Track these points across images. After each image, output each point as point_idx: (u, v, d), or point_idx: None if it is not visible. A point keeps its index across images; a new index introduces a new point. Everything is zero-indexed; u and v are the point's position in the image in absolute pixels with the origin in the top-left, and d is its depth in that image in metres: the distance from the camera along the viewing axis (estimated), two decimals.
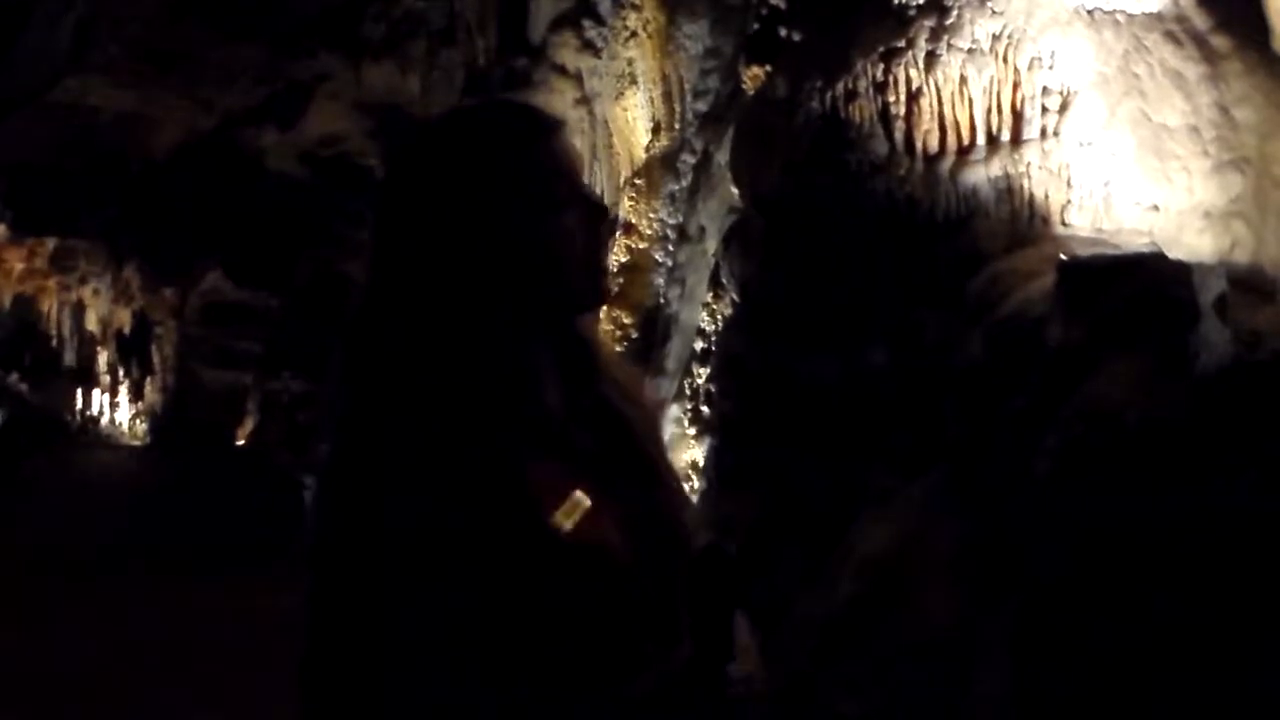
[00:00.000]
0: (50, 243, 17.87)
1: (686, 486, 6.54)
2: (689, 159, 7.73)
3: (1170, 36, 4.28)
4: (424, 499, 1.19)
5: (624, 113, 8.51)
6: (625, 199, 8.22)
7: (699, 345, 7.03)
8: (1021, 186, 4.35)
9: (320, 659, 1.21)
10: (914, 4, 4.58)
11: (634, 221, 8.07)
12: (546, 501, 1.23)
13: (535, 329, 1.30)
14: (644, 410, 1.46)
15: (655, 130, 8.19)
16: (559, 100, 9.01)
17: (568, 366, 1.36)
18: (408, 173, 1.33)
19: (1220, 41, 4.25)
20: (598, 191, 9.10)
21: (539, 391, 1.30)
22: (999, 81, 4.43)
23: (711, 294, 6.96)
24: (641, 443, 1.41)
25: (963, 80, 4.45)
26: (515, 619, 1.18)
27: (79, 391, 20.56)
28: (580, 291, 1.34)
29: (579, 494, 1.26)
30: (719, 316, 6.78)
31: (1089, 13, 4.34)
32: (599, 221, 1.34)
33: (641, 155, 8.33)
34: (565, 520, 1.24)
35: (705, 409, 6.55)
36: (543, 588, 1.20)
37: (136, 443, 19.13)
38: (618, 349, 7.82)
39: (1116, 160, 4.26)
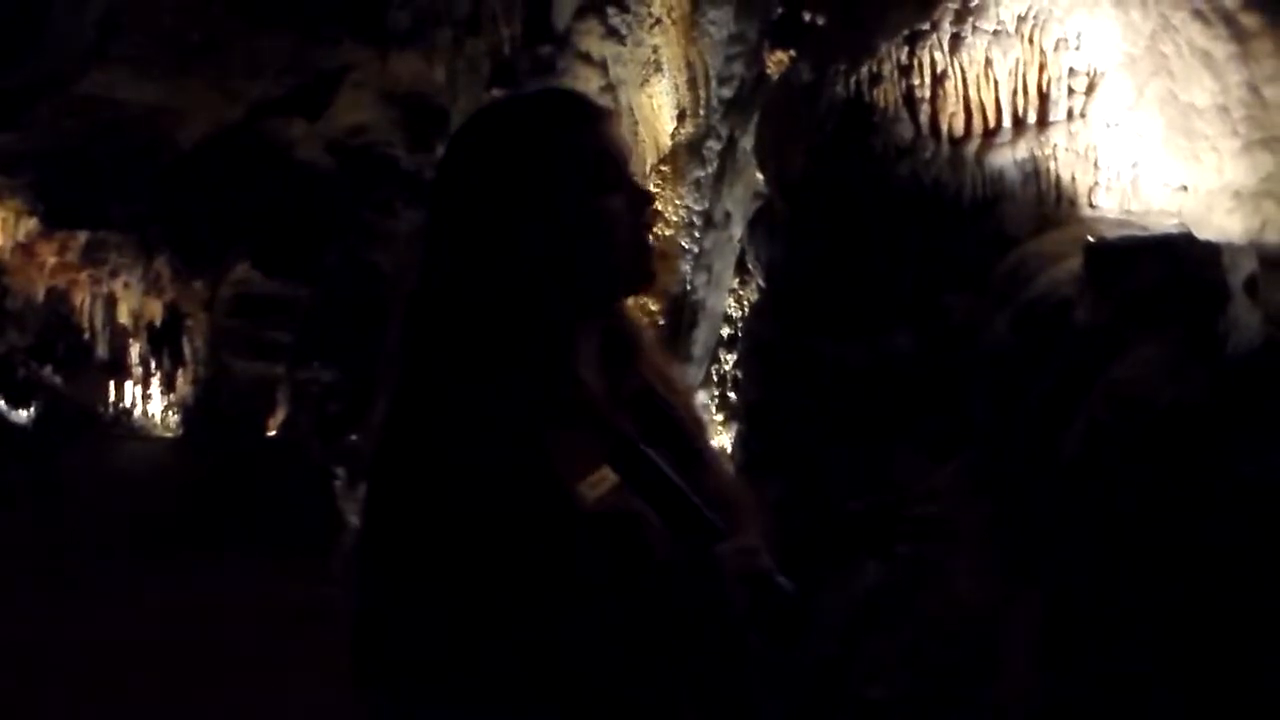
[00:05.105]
0: (81, 236, 18.00)
1: None
2: (714, 145, 7.73)
3: (1198, 15, 4.23)
4: (459, 467, 1.22)
5: (649, 100, 8.50)
6: (651, 186, 8.22)
7: (725, 331, 7.03)
8: (1048, 169, 4.32)
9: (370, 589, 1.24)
10: None
11: (660, 208, 8.07)
12: (571, 472, 1.26)
13: (582, 312, 1.34)
14: (683, 397, 1.49)
15: (680, 117, 8.19)
16: (584, 88, 9.02)
17: (611, 352, 1.40)
18: (462, 154, 1.36)
19: (1249, 20, 4.20)
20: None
21: (575, 372, 1.33)
22: (1025, 63, 4.40)
23: (738, 280, 6.96)
24: (684, 427, 1.43)
25: (988, 62, 4.43)
26: (535, 583, 1.20)
27: (111, 384, 20.74)
28: (627, 272, 1.36)
29: (607, 469, 1.28)
30: (745, 302, 6.78)
31: None
32: (643, 207, 1.37)
33: (667, 142, 8.33)
34: (590, 491, 1.27)
35: (732, 394, 6.56)
36: (558, 547, 1.22)
37: (168, 434, 19.31)
38: None
39: (1144, 141, 4.22)
